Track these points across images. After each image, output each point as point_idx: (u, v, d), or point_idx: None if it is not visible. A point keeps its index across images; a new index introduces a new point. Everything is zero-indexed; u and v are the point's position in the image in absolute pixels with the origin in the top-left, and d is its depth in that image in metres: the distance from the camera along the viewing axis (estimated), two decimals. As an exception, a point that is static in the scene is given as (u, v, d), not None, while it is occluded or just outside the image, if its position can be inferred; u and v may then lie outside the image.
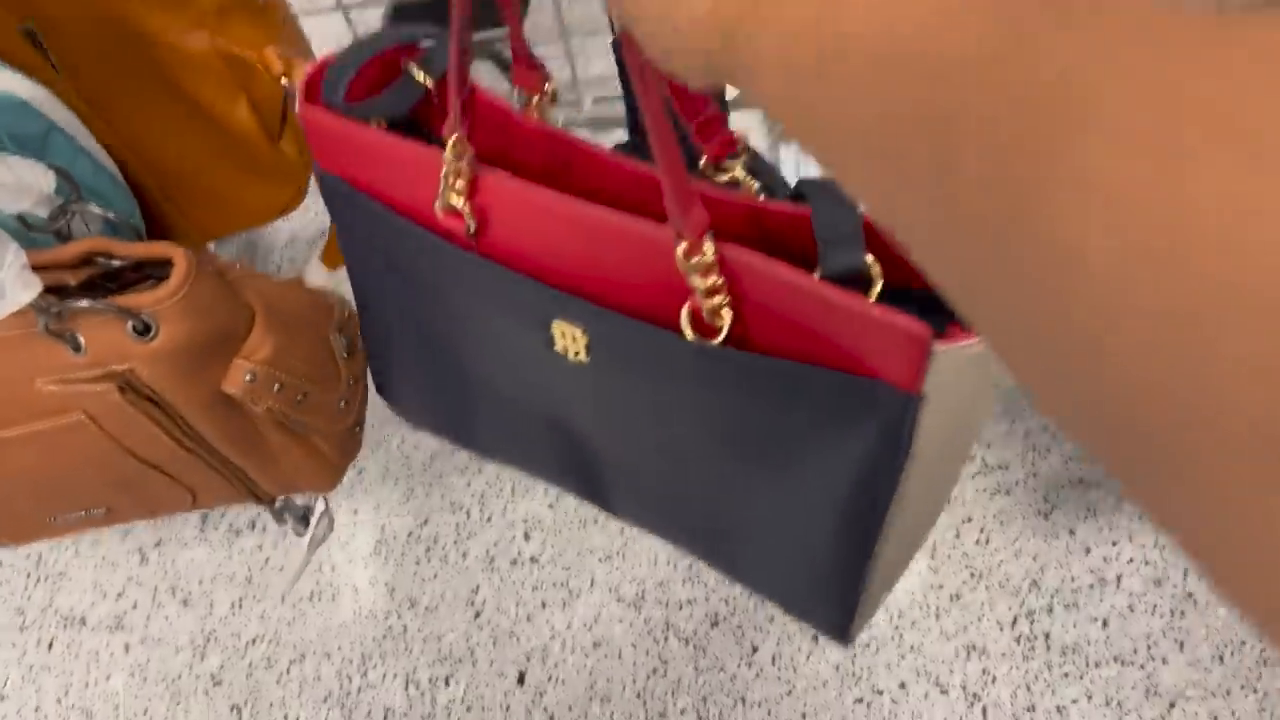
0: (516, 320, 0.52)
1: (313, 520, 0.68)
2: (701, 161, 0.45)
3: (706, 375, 0.46)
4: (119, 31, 0.62)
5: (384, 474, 1.13)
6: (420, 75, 0.52)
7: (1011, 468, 1.03)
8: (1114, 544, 0.98)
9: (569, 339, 0.50)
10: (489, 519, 1.09)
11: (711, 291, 0.42)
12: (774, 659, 0.97)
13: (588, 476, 0.62)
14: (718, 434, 0.50)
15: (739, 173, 0.45)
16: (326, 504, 0.70)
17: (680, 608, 1.01)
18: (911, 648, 0.96)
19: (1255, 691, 0.90)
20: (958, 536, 1.00)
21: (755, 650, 0.98)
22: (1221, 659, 0.92)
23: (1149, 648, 0.93)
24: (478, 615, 1.04)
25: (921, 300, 0.39)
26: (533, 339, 0.51)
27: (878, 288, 0.41)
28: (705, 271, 0.41)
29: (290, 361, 0.55)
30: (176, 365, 0.51)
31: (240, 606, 1.07)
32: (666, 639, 1.00)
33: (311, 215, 1.26)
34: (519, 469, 0.66)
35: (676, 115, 0.42)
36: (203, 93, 0.66)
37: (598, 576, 1.04)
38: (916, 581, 0.98)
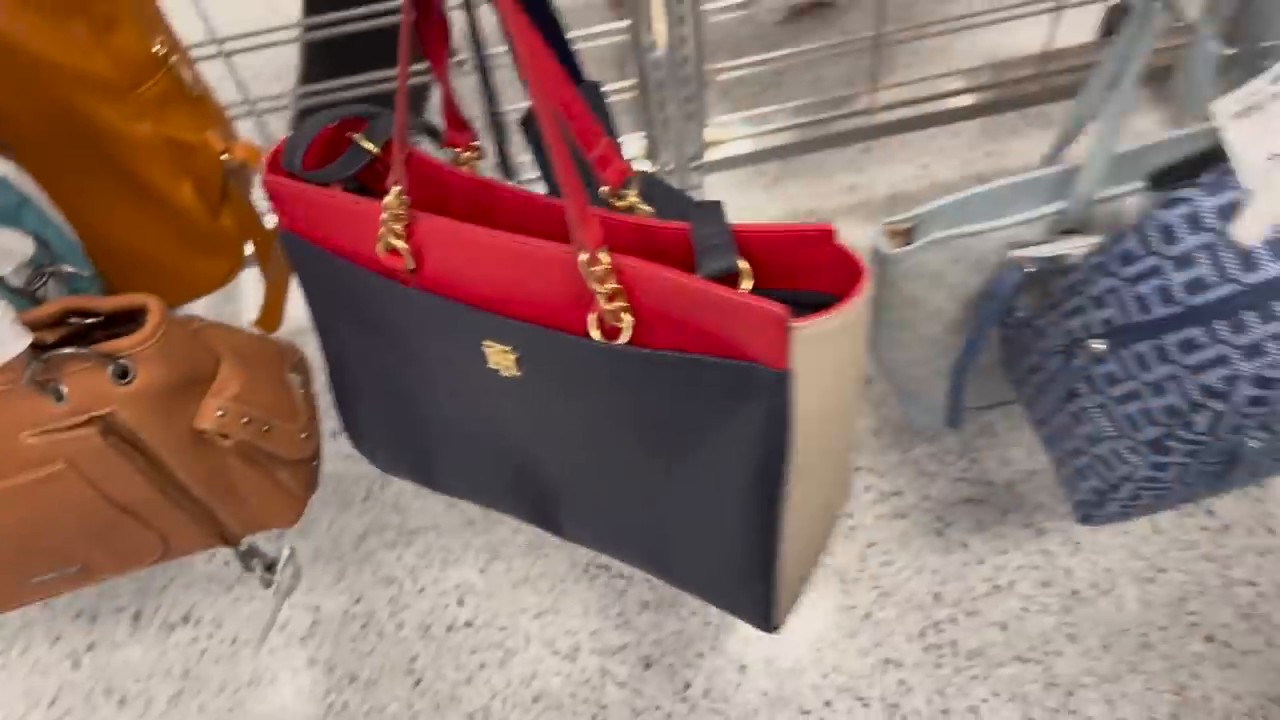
0: (454, 343, 0.59)
1: (279, 566, 0.72)
2: (602, 190, 0.54)
3: (616, 374, 0.54)
4: (71, 121, 0.69)
5: (315, 556, 1.16)
6: (367, 144, 0.60)
7: (905, 493, 1.12)
8: (1004, 553, 1.07)
9: (499, 355, 0.57)
10: (422, 590, 1.13)
11: (611, 296, 0.50)
12: (706, 693, 1.03)
13: (538, 502, 0.68)
14: (633, 430, 0.57)
15: (633, 199, 0.54)
16: (293, 552, 0.74)
17: (614, 654, 1.06)
18: (833, 668, 1.02)
19: (1140, 673, 0.99)
20: (864, 560, 1.08)
21: (688, 686, 1.03)
22: (1108, 647, 1.01)
23: (1045, 644, 1.02)
24: (418, 683, 1.07)
25: (786, 300, 0.48)
26: (469, 359, 0.58)
27: (747, 284, 0.50)
28: (604, 278, 0.49)
29: (255, 396, 0.61)
30: (154, 405, 0.56)
31: (179, 701, 1.08)
32: (604, 685, 1.04)
33: (228, 314, 1.31)
34: (479, 502, 0.72)
35: (578, 151, 0.51)
36: (149, 174, 0.72)
37: (532, 633, 1.08)
38: (831, 604, 1.06)
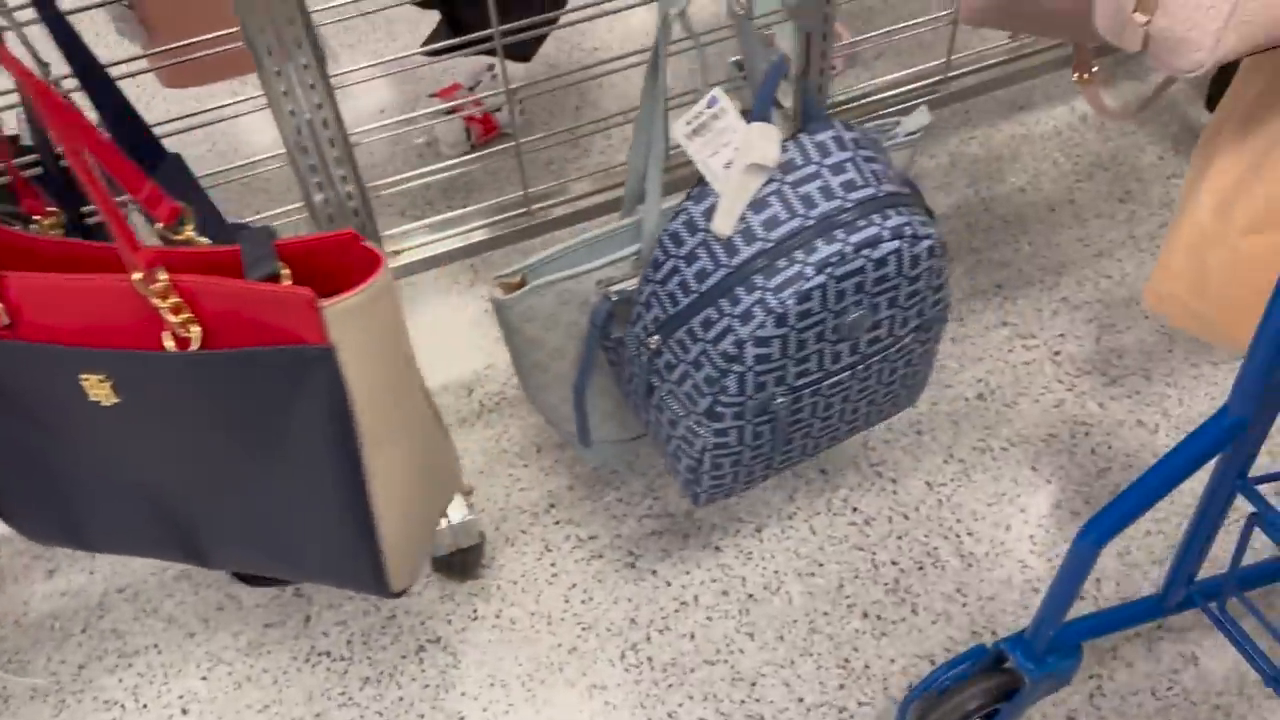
0: (56, 385, 0.67)
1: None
2: (158, 226, 0.65)
3: (196, 381, 0.63)
4: None
5: (32, 696, 1.16)
6: None
7: (600, 536, 1.24)
8: (687, 573, 1.20)
9: (96, 386, 0.66)
10: (145, 706, 1.14)
11: (176, 310, 0.60)
12: (429, 749, 1.08)
13: (178, 534, 0.75)
14: (226, 433, 0.66)
15: (189, 233, 0.65)
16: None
17: (339, 731, 1.11)
18: (544, 701, 1.11)
19: (810, 655, 1.12)
20: (567, 601, 1.18)
21: (411, 746, 1.09)
22: (782, 638, 1.14)
23: (728, 645, 1.14)
24: (143, 796, 1.07)
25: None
26: (73, 397, 0.66)
27: (287, 283, 0.61)
28: (164, 294, 0.60)
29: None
30: None
31: None
32: (330, 762, 1.08)
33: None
34: (131, 552, 0.78)
35: (123, 190, 0.62)
36: None
37: (258, 726, 1.12)
38: (540, 646, 1.14)
